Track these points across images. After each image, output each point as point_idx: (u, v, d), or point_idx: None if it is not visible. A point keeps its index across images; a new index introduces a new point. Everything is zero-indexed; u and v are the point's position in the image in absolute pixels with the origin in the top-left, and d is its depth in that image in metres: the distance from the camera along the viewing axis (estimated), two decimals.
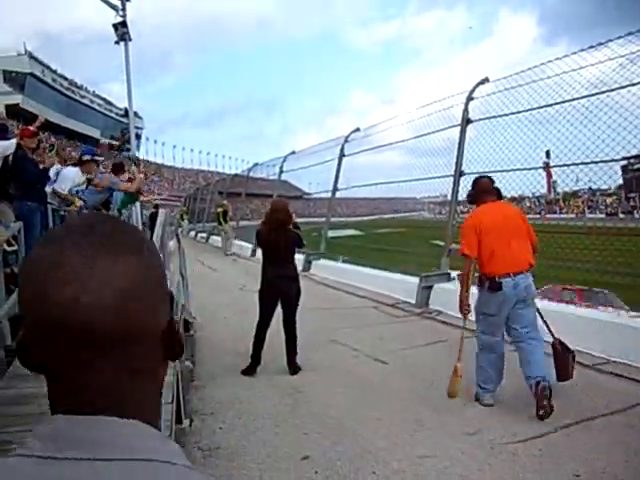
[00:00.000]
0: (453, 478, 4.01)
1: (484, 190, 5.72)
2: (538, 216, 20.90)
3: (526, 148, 9.21)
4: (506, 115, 9.47)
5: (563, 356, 5.49)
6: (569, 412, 5.06)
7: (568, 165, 8.75)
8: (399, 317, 8.91)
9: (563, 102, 8.33)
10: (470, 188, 5.97)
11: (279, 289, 6.68)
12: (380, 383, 6.20)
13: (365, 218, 27.08)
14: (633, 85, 7.38)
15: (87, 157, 9.35)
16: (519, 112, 9.18)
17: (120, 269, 0.72)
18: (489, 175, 6.20)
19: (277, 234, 6.69)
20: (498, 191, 5.87)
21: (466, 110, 10.24)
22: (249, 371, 6.52)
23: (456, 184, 10.30)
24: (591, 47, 8.18)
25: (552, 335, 5.69)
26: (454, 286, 8.12)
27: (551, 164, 9.67)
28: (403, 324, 7.14)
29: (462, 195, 10.31)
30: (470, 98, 10.20)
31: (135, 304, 0.72)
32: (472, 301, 5.74)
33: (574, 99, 8.16)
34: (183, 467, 0.70)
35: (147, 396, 0.77)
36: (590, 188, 13.56)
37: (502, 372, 5.53)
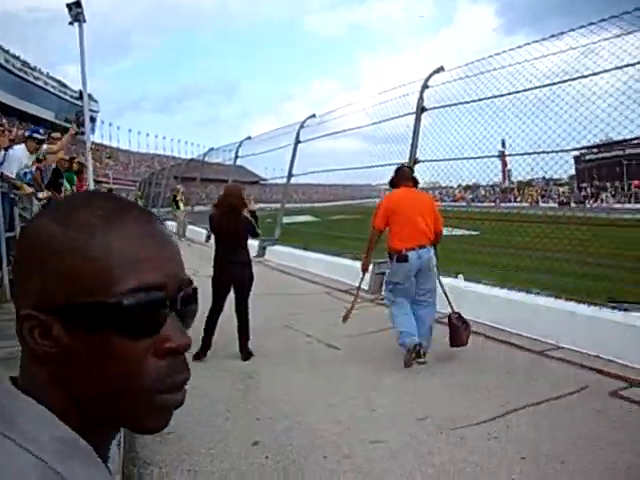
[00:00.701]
0: (403, 462, 4.04)
1: (403, 177, 6.74)
2: (493, 204, 21.19)
3: (479, 137, 9.28)
4: (460, 104, 9.54)
5: (456, 326, 6.35)
6: (517, 397, 5.16)
7: (521, 154, 8.88)
8: None
9: (516, 92, 8.43)
10: (394, 174, 6.89)
11: (232, 275, 6.64)
12: (332, 369, 6.23)
13: (321, 204, 27.09)
14: (583, 77, 7.50)
15: (26, 134, 9.47)
16: (474, 101, 9.25)
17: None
18: (409, 165, 7.33)
19: (228, 218, 6.64)
20: (415, 179, 6.96)
21: (421, 98, 10.25)
22: (200, 355, 6.48)
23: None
24: (544, 39, 8.31)
25: (451, 307, 6.60)
26: None
27: (506, 153, 9.80)
28: (356, 310, 7.15)
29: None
30: (425, 86, 10.21)
31: (16, 272, 0.72)
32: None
33: (526, 89, 8.28)
34: (44, 465, 0.63)
35: (49, 379, 0.70)
36: (544, 177, 13.78)
37: (415, 329, 6.26)
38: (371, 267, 7.00)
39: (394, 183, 6.78)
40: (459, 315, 6.47)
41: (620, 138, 7.73)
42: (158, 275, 0.70)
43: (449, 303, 6.65)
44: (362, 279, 7.13)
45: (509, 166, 11.79)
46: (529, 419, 4.74)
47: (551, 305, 7.12)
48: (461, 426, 4.60)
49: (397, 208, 6.40)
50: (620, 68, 7.04)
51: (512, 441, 4.33)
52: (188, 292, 0.75)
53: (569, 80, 7.73)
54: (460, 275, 8.81)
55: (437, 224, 6.54)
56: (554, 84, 7.91)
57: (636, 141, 8.56)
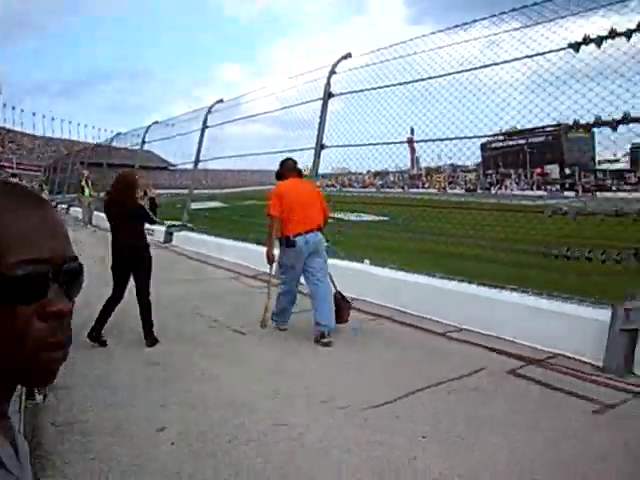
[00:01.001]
0: (307, 444, 4.07)
1: (288, 169, 7.15)
2: (401, 190, 21.56)
3: (386, 125, 9.40)
4: (367, 90, 9.63)
5: (341, 305, 6.95)
6: (420, 378, 5.31)
7: (425, 141, 9.03)
8: (259, 288, 8.93)
9: (422, 80, 8.57)
10: (279, 167, 7.30)
11: (128, 261, 6.59)
12: (238, 353, 6.25)
13: (230, 190, 26.91)
14: (486, 67, 7.71)
15: None
16: (380, 87, 9.36)
17: None
18: (293, 158, 7.48)
19: (119, 204, 6.58)
20: (300, 171, 7.38)
21: (328, 84, 10.32)
22: (92, 335, 6.37)
23: (317, 157, 10.36)
24: (448, 29, 8.47)
25: (335, 288, 7.11)
26: None
27: (414, 139, 9.96)
28: (263, 295, 7.18)
29: (323, 168, 10.49)
30: (333, 72, 10.28)
31: None
32: None
33: (431, 77, 8.42)
34: None
35: None
36: (451, 164, 14.13)
37: (291, 311, 7.13)
38: (277, 252, 7.04)
39: (280, 175, 7.20)
40: (340, 295, 7.06)
41: (521, 127, 7.98)
42: (44, 251, 0.79)
43: (332, 283, 7.08)
44: (271, 268, 7.26)
45: (417, 153, 11.99)
46: (431, 399, 4.87)
47: (454, 288, 7.33)
48: (364, 407, 4.67)
49: (287, 197, 6.78)
50: (519, 59, 7.27)
51: (414, 420, 4.44)
52: (72, 267, 0.84)
53: (472, 69, 7.91)
54: (366, 260, 8.94)
55: (324, 210, 7.04)
56: (458, 72, 8.08)
57: (538, 131, 8.86)
